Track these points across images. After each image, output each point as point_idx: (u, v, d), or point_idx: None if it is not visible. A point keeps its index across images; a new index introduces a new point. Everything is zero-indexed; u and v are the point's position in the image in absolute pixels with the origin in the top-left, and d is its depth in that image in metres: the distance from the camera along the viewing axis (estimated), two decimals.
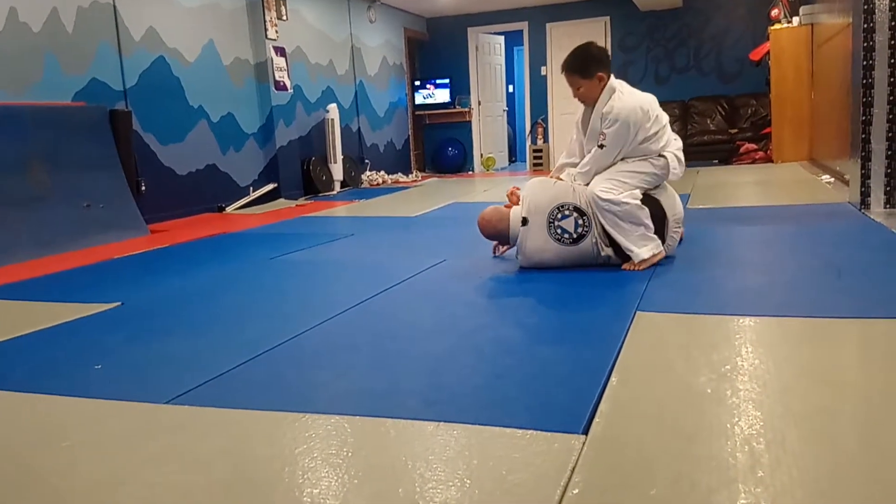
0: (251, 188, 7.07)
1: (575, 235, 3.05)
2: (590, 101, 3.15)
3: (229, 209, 6.64)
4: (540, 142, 10.68)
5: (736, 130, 9.42)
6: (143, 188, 5.58)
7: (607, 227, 3.02)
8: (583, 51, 3.12)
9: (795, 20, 7.90)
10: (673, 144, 3.13)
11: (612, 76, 3.11)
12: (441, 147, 11.09)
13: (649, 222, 3.02)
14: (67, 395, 1.88)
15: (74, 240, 4.61)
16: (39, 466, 1.48)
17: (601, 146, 3.07)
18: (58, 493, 1.36)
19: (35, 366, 2.21)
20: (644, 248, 3.01)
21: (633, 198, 3.01)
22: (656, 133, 3.06)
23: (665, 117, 3.13)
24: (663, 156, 3.09)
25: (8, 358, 2.30)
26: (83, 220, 4.82)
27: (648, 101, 3.09)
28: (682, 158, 3.15)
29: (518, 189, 3.31)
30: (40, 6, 4.86)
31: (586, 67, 3.07)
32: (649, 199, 3.10)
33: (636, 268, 3.01)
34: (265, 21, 7.10)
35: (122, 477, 1.40)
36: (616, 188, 3.01)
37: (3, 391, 1.95)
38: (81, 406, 1.81)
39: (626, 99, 3.04)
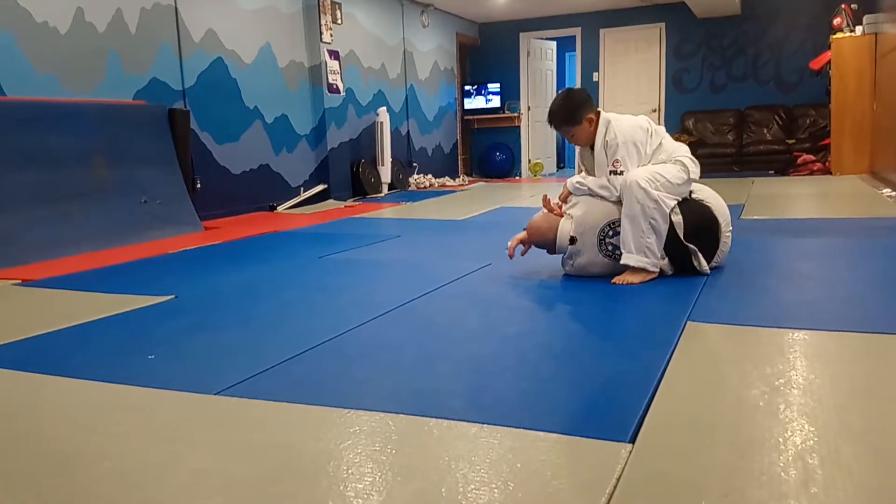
0: (302, 188, 7.18)
1: None
2: (585, 143, 3.14)
3: (280, 208, 6.76)
4: None
5: (793, 141, 9.18)
6: (199, 186, 5.72)
7: (623, 216, 2.92)
8: (564, 100, 3.12)
9: (858, 29, 7.66)
10: (680, 150, 3.09)
11: (602, 111, 3.11)
12: (489, 152, 11.08)
13: (661, 241, 2.93)
14: (121, 384, 1.94)
15: (132, 234, 4.75)
16: (94, 450, 1.53)
17: (617, 172, 3.01)
18: (109, 476, 1.40)
19: (91, 354, 2.28)
20: (639, 257, 2.91)
21: (665, 206, 2.92)
22: (660, 144, 3.07)
23: (662, 129, 3.15)
24: (678, 160, 3.05)
25: (66, 345, 2.38)
26: (141, 214, 4.96)
27: (643, 119, 3.12)
28: (695, 159, 3.11)
29: (548, 196, 3.25)
30: (105, 7, 5.03)
31: (573, 116, 3.07)
32: (700, 206, 3.04)
33: (628, 281, 2.91)
34: (320, 25, 7.21)
35: (171, 463, 1.44)
36: (655, 183, 2.93)
37: (60, 377, 2.02)
38: (134, 394, 1.87)
39: (623, 124, 3.05)
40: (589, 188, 3.10)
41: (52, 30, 4.65)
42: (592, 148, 3.13)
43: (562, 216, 3.13)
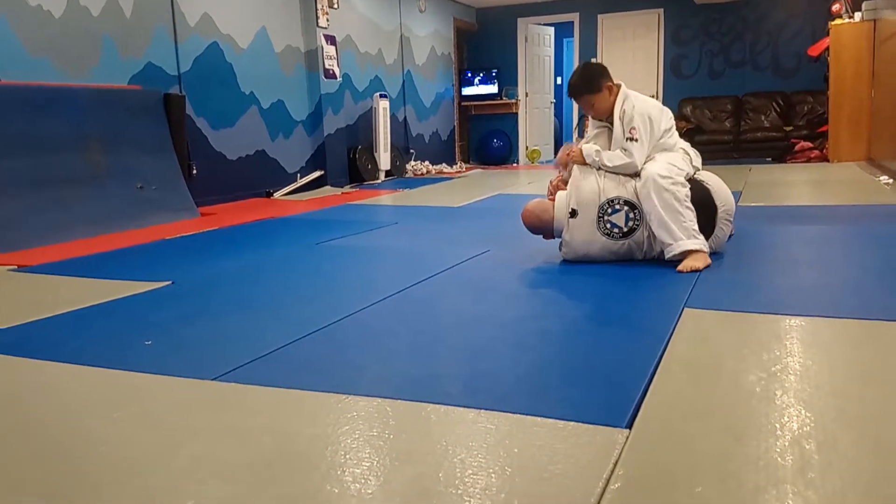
0: (299, 175, 7.15)
1: (625, 230, 3.00)
2: (605, 114, 3.15)
3: (277, 195, 6.74)
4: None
5: (791, 128, 9.16)
6: (195, 172, 5.69)
7: (660, 209, 2.88)
8: (582, 71, 3.21)
9: (857, 16, 7.63)
10: (681, 142, 3.19)
11: (622, 84, 3.13)
12: (486, 138, 11.05)
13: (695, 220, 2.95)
14: (119, 369, 1.93)
15: (127, 220, 4.74)
16: (92, 435, 1.53)
17: (633, 139, 3.02)
18: (107, 461, 1.40)
19: (88, 339, 2.28)
20: (691, 241, 2.89)
21: (686, 186, 2.97)
22: (670, 129, 3.13)
23: (672, 118, 3.22)
24: (682, 149, 3.14)
25: (63, 331, 2.38)
26: (136, 200, 4.94)
27: (658, 102, 3.22)
28: (697, 152, 3.21)
29: (560, 179, 3.26)
30: None
31: (592, 83, 3.10)
32: (699, 187, 3.04)
33: (692, 267, 2.83)
34: (317, 9, 7.16)
35: (169, 448, 1.44)
36: (673, 172, 2.95)
37: (57, 362, 2.02)
38: (132, 380, 1.86)
39: (640, 99, 3.11)
40: (602, 163, 3.08)
41: (45, 13, 4.60)
42: (610, 121, 3.14)
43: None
